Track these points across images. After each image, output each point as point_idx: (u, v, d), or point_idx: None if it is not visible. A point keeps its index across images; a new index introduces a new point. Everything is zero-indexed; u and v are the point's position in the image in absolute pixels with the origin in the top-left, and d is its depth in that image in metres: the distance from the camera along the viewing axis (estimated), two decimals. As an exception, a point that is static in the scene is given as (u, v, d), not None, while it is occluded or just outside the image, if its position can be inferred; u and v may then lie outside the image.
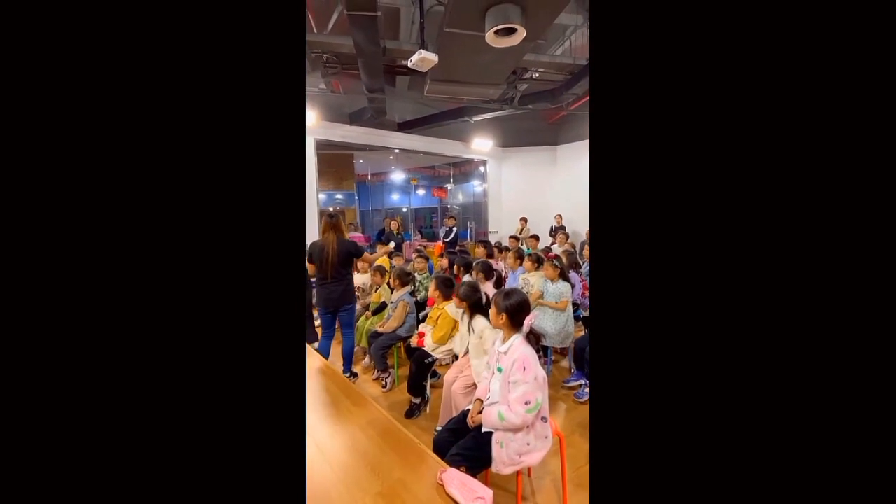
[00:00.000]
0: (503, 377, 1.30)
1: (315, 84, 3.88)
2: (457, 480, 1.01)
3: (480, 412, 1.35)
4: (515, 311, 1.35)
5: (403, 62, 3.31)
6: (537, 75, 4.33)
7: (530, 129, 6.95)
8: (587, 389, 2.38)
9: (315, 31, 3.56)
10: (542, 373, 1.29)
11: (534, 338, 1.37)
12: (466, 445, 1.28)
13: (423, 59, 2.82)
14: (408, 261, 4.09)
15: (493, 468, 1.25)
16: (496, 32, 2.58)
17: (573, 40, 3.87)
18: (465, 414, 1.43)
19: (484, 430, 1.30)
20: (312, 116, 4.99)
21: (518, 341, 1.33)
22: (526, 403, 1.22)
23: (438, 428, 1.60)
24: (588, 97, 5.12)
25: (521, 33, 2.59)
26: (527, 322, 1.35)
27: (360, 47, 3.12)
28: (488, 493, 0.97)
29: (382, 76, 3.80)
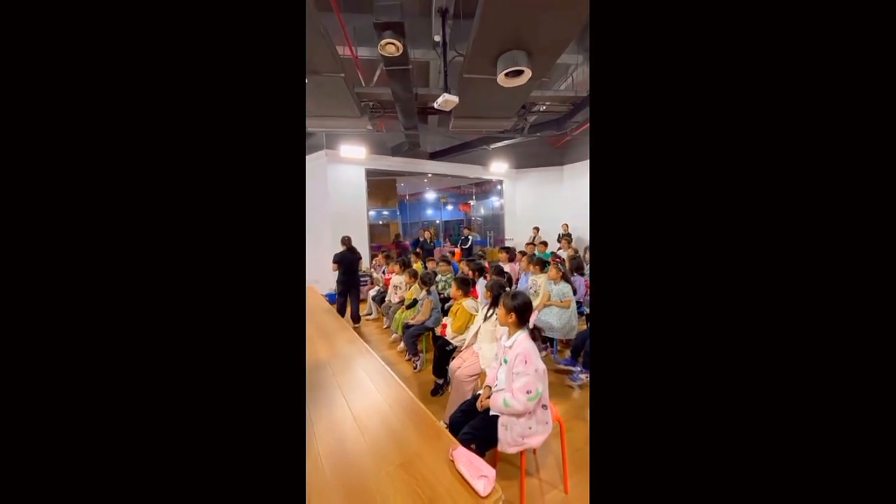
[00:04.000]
0: (508, 368, 1.23)
1: (363, 125, 4.00)
2: (465, 458, 0.96)
3: (489, 398, 1.29)
4: (522, 310, 1.28)
5: (432, 104, 3.33)
6: (544, 108, 4.17)
7: (540, 153, 6.73)
8: (582, 375, 2.25)
9: (363, 84, 3.67)
10: (542, 366, 1.20)
11: (537, 332, 1.29)
12: (476, 426, 1.22)
13: (446, 100, 2.81)
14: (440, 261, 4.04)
15: (499, 447, 1.18)
16: (506, 74, 2.52)
17: (574, 77, 3.70)
18: (476, 398, 1.37)
19: (491, 413, 1.24)
20: (363, 151, 5.17)
21: (522, 337, 1.25)
22: (527, 392, 1.15)
23: (444, 421, 1.54)
24: (588, 124, 4.88)
25: (528, 74, 2.50)
26: (532, 319, 1.28)
27: (397, 95, 3.18)
28: (492, 472, 0.90)
29: (416, 116, 3.84)
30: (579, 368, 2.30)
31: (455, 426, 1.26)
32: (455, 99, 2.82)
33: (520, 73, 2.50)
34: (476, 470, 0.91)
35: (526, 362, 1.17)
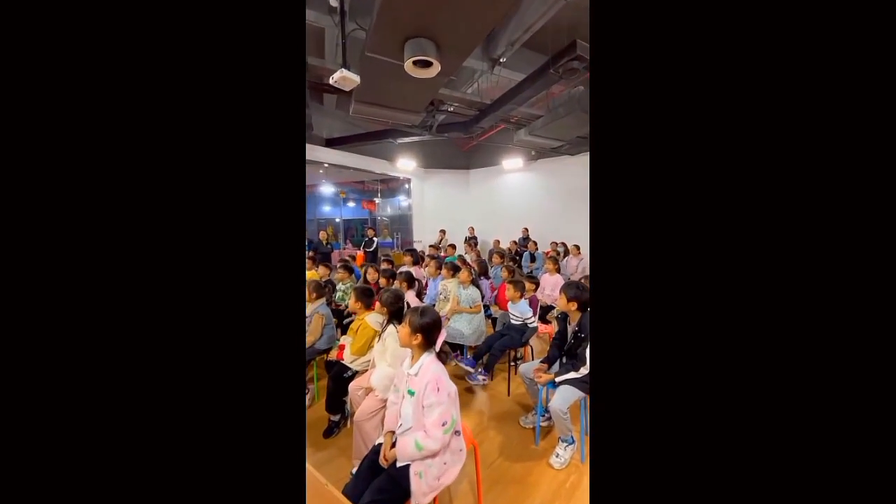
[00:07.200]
0: (416, 401, 0.97)
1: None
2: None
3: (393, 446, 1.01)
4: (430, 329, 1.02)
5: (328, 80, 2.76)
6: (452, 108, 4.14)
7: (447, 155, 6.82)
8: (480, 377, 2.20)
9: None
10: (453, 388, 0.99)
11: (444, 355, 1.07)
12: (381, 487, 0.90)
13: (344, 77, 2.34)
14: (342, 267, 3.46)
15: (413, 502, 0.89)
16: (414, 63, 2.26)
17: (480, 83, 3.77)
18: (376, 452, 1.05)
19: (399, 465, 0.95)
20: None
21: (428, 360, 1.00)
22: (443, 424, 0.92)
23: (353, 471, 1.17)
24: (492, 131, 5.15)
25: (437, 67, 2.31)
26: (439, 340, 1.05)
27: (279, 57, 2.47)
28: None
29: (306, 91, 3.15)
30: (480, 370, 2.27)
31: (355, 496, 0.92)
32: (356, 78, 2.37)
33: (428, 64, 2.30)
34: None
35: (438, 390, 0.94)
